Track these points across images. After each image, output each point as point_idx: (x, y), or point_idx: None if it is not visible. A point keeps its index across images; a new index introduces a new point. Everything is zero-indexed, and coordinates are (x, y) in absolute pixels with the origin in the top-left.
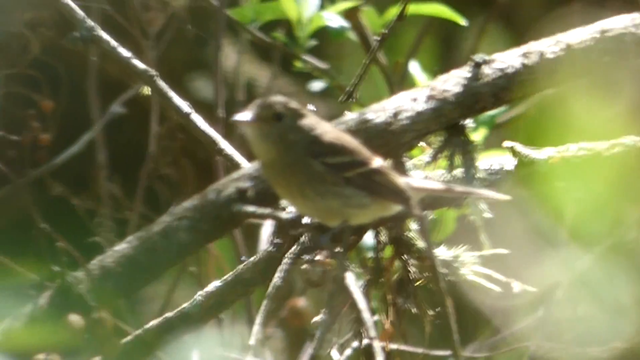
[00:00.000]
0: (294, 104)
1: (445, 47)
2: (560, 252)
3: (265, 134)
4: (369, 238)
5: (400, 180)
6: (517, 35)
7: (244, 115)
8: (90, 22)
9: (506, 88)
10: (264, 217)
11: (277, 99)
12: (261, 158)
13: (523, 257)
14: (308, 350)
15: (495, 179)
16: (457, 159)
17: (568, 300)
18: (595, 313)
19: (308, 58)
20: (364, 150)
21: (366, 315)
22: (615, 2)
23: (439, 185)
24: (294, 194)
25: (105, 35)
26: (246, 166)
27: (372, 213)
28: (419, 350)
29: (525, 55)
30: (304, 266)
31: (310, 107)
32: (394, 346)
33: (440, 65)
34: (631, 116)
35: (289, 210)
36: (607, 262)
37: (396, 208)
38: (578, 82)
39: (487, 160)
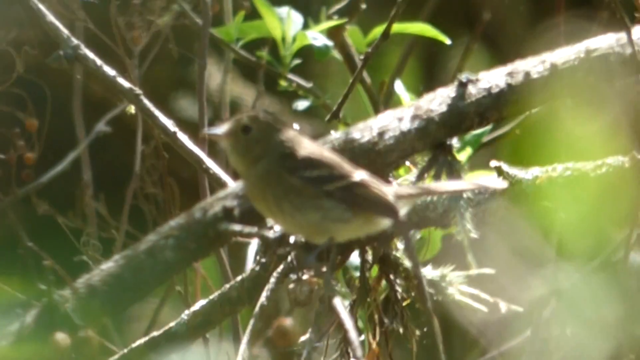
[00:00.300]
0: (266, 118)
1: (429, 67)
2: (547, 271)
3: (232, 146)
4: (355, 258)
5: (386, 191)
6: (502, 54)
7: (216, 129)
8: (74, 41)
9: (491, 107)
10: (250, 235)
11: (249, 112)
12: (238, 170)
13: (510, 277)
14: None
15: (481, 198)
16: (443, 179)
17: (556, 320)
18: (582, 332)
19: (292, 77)
20: (344, 164)
21: (353, 335)
22: (601, 20)
23: (426, 188)
24: (271, 208)
25: (89, 54)
26: (232, 185)
27: (357, 228)
28: None
29: (510, 74)
30: (291, 285)
31: (295, 126)
32: None
33: (424, 84)
34: (614, 135)
35: (275, 230)
36: (593, 282)
37: (383, 222)
38: (563, 101)
39: (474, 180)
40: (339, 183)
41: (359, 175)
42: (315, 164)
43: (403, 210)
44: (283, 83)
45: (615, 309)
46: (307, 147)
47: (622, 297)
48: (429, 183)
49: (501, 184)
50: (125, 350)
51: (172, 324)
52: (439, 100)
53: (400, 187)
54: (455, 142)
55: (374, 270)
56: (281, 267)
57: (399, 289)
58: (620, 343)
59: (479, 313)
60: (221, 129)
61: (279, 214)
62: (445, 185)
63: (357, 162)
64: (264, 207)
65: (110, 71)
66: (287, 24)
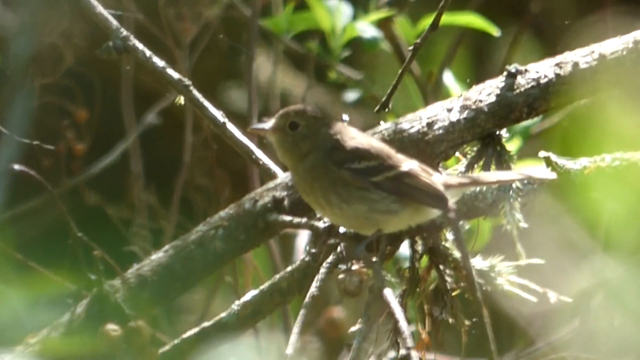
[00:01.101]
0: (313, 112)
1: (478, 57)
2: (594, 262)
3: (279, 141)
4: (405, 248)
5: (436, 181)
6: (550, 45)
7: (263, 124)
8: (124, 32)
9: (540, 98)
10: (299, 226)
11: (296, 107)
12: (287, 164)
13: (556, 268)
14: None
15: (530, 189)
16: (492, 169)
17: (603, 312)
18: (629, 324)
19: (342, 68)
20: (393, 154)
21: (403, 325)
22: None
23: (475, 178)
24: (319, 200)
25: (139, 45)
26: (281, 176)
27: (406, 219)
28: None
29: (558, 65)
30: (341, 276)
31: (345, 117)
32: (430, 356)
33: (473, 75)
34: None
35: (324, 220)
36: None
37: (431, 212)
38: (612, 92)
39: (523, 170)
40: (387, 173)
41: (408, 164)
42: (363, 155)
43: (452, 200)
44: (333, 75)
45: None
46: (356, 138)
47: None
48: (478, 173)
49: (549, 174)
50: (177, 341)
51: (222, 315)
52: (487, 90)
53: (448, 176)
54: (504, 132)
55: (424, 261)
56: (331, 257)
57: (449, 280)
58: None
59: (526, 304)
60: (268, 124)
61: (327, 207)
62: (494, 175)
63: (406, 152)
64: (312, 199)
65: (159, 62)
66: (337, 16)
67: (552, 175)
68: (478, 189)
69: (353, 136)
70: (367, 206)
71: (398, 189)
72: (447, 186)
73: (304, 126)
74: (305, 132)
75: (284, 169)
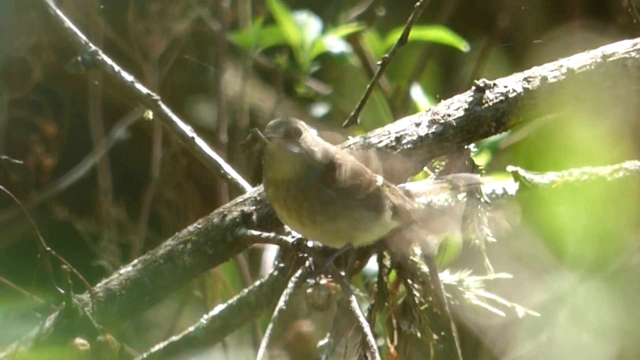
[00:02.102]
0: (304, 124)
1: (446, 71)
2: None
3: (288, 150)
4: (373, 263)
5: (400, 192)
6: (518, 60)
7: (270, 133)
8: (92, 47)
9: (508, 113)
10: (268, 241)
11: (290, 117)
12: (277, 177)
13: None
14: None
15: (498, 203)
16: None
17: (569, 326)
18: (595, 338)
19: (310, 83)
20: (368, 170)
21: (371, 339)
22: (616, 26)
23: (432, 185)
24: (302, 219)
25: (107, 60)
26: (250, 190)
27: (375, 233)
28: None
29: (527, 79)
30: (309, 290)
31: (313, 131)
32: None
33: (441, 89)
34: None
35: (293, 234)
36: (608, 287)
37: (394, 224)
38: (580, 106)
39: (490, 185)
40: (367, 190)
41: (380, 179)
42: (349, 173)
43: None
44: (301, 89)
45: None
46: (338, 154)
47: (636, 302)
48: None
49: (479, 179)
50: (145, 355)
51: (191, 329)
52: (456, 105)
53: (413, 185)
54: (472, 147)
55: (392, 275)
56: (299, 271)
57: (417, 294)
58: (634, 349)
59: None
60: (273, 133)
61: (309, 224)
62: (427, 185)
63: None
64: (294, 217)
65: (128, 77)
66: (305, 30)
67: (480, 180)
68: (446, 203)
69: (333, 152)
70: (349, 223)
71: (375, 204)
72: (417, 195)
73: (305, 133)
74: (308, 142)
75: (253, 184)
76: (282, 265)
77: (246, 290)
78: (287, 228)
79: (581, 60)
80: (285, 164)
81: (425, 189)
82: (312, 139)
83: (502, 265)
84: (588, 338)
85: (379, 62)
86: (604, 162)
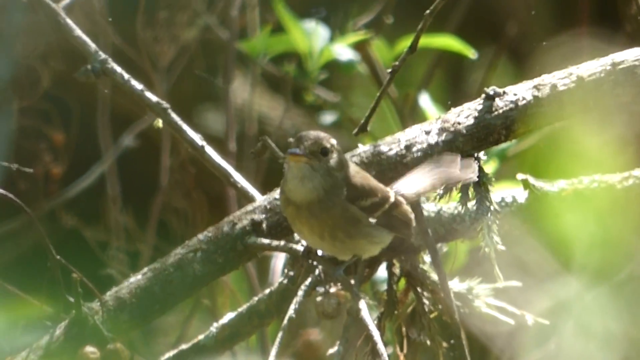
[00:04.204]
0: (332, 139)
1: (455, 79)
2: (569, 284)
3: (314, 170)
4: (382, 271)
5: (407, 206)
6: (527, 68)
7: (296, 149)
8: (102, 55)
9: (518, 120)
10: (278, 249)
11: (319, 133)
12: (301, 198)
13: (530, 289)
14: None
15: (507, 211)
16: (471, 191)
17: (576, 334)
18: (601, 347)
19: (318, 91)
20: (380, 185)
21: (381, 347)
22: (624, 33)
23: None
24: (323, 235)
25: (117, 68)
26: (260, 199)
27: (380, 246)
28: None
29: (536, 87)
30: (319, 298)
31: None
32: None
33: (450, 97)
34: (620, 148)
35: (302, 243)
36: (616, 295)
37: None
38: (589, 114)
39: (500, 193)
40: (383, 208)
41: (392, 194)
42: (369, 192)
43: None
44: (310, 97)
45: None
46: (356, 170)
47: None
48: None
49: (471, 175)
50: None
51: (200, 337)
52: (466, 113)
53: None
54: (482, 155)
55: (401, 284)
56: (309, 280)
57: (426, 302)
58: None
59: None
60: (297, 150)
61: (329, 240)
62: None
63: (385, 174)
64: (316, 232)
65: (137, 85)
66: (313, 38)
67: (472, 176)
68: (455, 211)
69: (353, 169)
70: (367, 240)
71: (388, 222)
72: (414, 197)
73: (331, 152)
74: (333, 160)
75: (262, 192)
76: (291, 273)
77: (256, 299)
78: (296, 237)
79: (591, 68)
80: (305, 185)
81: (419, 188)
82: (339, 160)
83: (509, 273)
84: (595, 346)
85: (389, 70)
86: (612, 170)
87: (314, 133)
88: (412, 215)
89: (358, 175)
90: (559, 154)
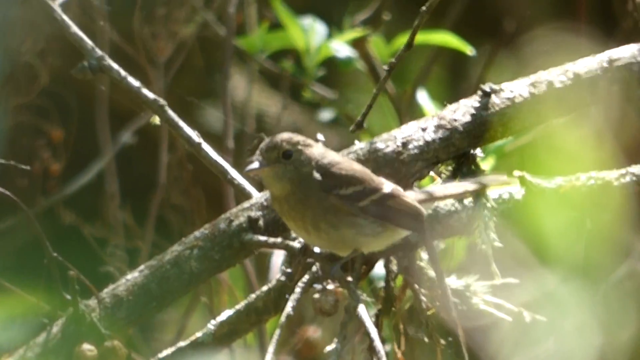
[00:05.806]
0: (297, 137)
1: (452, 76)
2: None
3: (279, 174)
4: (380, 268)
5: (412, 199)
6: (524, 64)
7: (254, 164)
8: (99, 52)
9: (515, 117)
10: (275, 246)
11: (281, 136)
12: (276, 194)
13: (528, 287)
14: None
15: (504, 208)
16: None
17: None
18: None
19: (316, 87)
20: (374, 177)
21: (378, 344)
22: (621, 30)
23: (444, 190)
24: (307, 228)
25: (114, 65)
26: (256, 195)
27: (384, 240)
28: None
29: (533, 84)
30: (316, 295)
31: (320, 136)
32: None
33: (447, 93)
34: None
35: (299, 240)
36: (614, 293)
37: (404, 232)
38: (586, 111)
39: (497, 190)
40: (372, 197)
41: (388, 186)
42: (350, 181)
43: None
44: (307, 94)
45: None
46: (340, 162)
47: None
48: (432, 186)
49: (502, 179)
50: None
51: (198, 334)
52: (462, 110)
53: (422, 192)
54: (479, 152)
55: (399, 280)
56: (306, 277)
57: (424, 299)
58: None
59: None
60: (257, 163)
61: (314, 232)
62: (450, 188)
63: (381, 171)
64: (299, 225)
65: (134, 82)
66: (311, 35)
67: (504, 179)
68: (453, 207)
69: (335, 160)
70: (355, 230)
71: (382, 212)
72: (429, 201)
73: (295, 152)
74: (299, 159)
75: (259, 189)
76: (289, 270)
77: (254, 296)
78: (293, 234)
79: (587, 64)
80: (277, 185)
81: (451, 191)
82: (308, 154)
83: (505, 270)
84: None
85: (386, 67)
86: (605, 167)
87: (273, 139)
88: (420, 208)
89: (340, 164)
90: (555, 151)
